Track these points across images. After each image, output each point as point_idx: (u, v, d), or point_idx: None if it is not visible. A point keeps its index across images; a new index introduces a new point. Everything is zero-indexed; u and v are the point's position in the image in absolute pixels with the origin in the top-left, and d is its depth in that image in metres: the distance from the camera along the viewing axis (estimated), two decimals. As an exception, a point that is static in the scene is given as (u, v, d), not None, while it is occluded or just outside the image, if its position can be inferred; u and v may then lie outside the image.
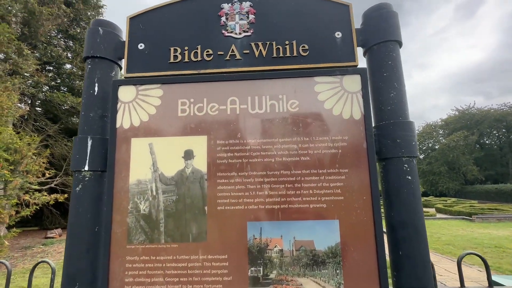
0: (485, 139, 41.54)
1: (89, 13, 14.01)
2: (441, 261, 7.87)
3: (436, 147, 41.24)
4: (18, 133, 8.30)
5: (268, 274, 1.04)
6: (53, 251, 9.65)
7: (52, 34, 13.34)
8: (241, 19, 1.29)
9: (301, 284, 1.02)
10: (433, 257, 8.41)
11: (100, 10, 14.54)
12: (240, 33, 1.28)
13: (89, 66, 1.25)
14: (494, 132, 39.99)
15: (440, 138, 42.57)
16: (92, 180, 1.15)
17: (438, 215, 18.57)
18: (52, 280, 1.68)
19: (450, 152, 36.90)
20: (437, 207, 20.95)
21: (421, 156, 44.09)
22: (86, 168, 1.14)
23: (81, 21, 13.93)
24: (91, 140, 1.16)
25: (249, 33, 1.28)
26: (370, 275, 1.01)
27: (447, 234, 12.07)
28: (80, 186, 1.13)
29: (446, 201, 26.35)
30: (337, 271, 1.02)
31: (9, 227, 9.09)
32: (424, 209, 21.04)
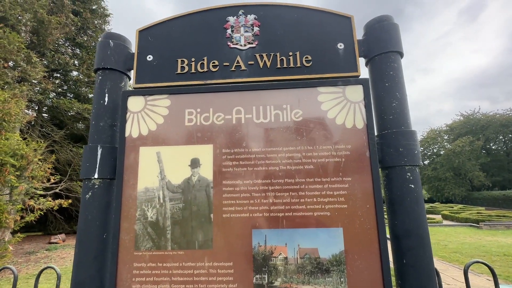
0: (491, 145, 41.03)
1: (96, 22, 14.36)
2: (448, 270, 7.71)
3: (441, 152, 40.83)
4: (24, 139, 8.44)
5: (273, 281, 1.05)
6: (56, 256, 9.67)
7: (60, 42, 13.67)
8: (246, 31, 1.33)
9: (306, 292, 1.03)
10: (440, 265, 8.24)
11: (106, 18, 14.89)
12: (245, 45, 1.32)
13: (100, 77, 1.30)
14: (501, 137, 39.52)
15: (445, 144, 42.17)
16: (101, 187, 1.18)
17: (445, 222, 18.26)
18: (58, 286, 1.71)
19: (455, 157, 36.48)
20: (443, 214, 20.61)
21: (426, 162, 43.65)
22: (96, 176, 1.17)
23: (88, 29, 14.27)
24: (101, 149, 1.20)
25: (253, 45, 1.32)
26: (375, 283, 1.02)
27: (454, 242, 11.84)
28: (89, 193, 1.17)
29: (452, 207, 25.92)
30: (342, 279, 1.03)
31: (13, 232, 9.15)
32: (430, 216, 20.72)
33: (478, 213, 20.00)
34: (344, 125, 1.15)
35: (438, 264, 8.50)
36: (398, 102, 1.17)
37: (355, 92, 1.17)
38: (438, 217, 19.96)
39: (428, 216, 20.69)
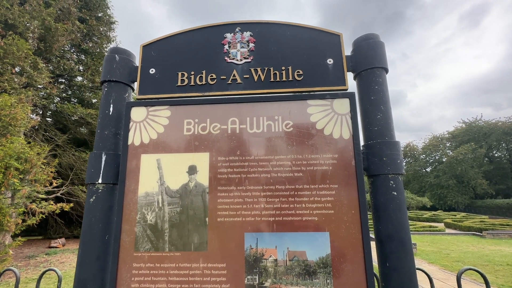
0: (494, 152, 40.81)
1: (101, 29, 14.68)
2: (450, 279, 7.63)
3: (444, 159, 40.61)
4: (29, 143, 8.58)
5: (263, 282, 1.12)
6: (55, 260, 9.68)
7: (66, 48, 13.97)
8: (242, 47, 1.43)
9: (294, 293, 1.10)
10: (442, 274, 8.16)
11: (112, 26, 15.23)
12: (241, 60, 1.42)
13: (106, 89, 1.39)
14: (503, 145, 39.31)
15: (447, 151, 41.98)
16: (104, 192, 1.26)
17: (447, 230, 18.07)
18: (59, 288, 1.77)
19: (458, 165, 36.28)
20: (446, 222, 20.39)
21: (428, 169, 43.42)
22: (100, 181, 1.26)
23: (94, 36, 14.58)
24: (105, 156, 1.29)
25: (249, 60, 1.42)
26: (359, 285, 1.08)
27: (456, 251, 11.73)
28: (93, 197, 1.25)
29: (455, 215, 25.66)
30: (328, 281, 1.09)
31: (14, 236, 9.20)
32: (433, 224, 20.49)
33: (481, 221, 19.79)
34: (331, 135, 1.23)
35: (439, 273, 8.42)
36: (383, 114, 1.25)
37: (342, 105, 1.26)
38: (440, 225, 19.77)
39: (430, 224, 20.48)
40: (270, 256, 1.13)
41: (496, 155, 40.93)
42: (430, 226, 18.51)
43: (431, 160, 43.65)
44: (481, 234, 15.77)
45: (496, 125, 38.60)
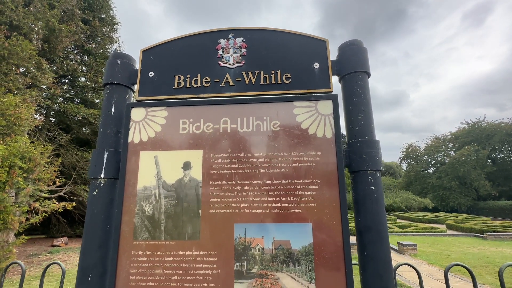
0: (497, 154, 40.53)
1: (104, 30, 14.86)
2: (449, 280, 7.64)
3: (446, 161, 40.40)
4: (32, 142, 8.73)
5: (250, 269, 1.22)
6: (58, 259, 9.83)
7: (69, 49, 14.16)
8: (235, 52, 1.54)
9: (278, 278, 1.19)
10: (441, 275, 8.18)
11: (114, 27, 15.41)
12: (233, 64, 1.52)
13: (108, 91, 1.50)
14: (507, 146, 39.03)
15: (450, 152, 41.72)
16: (106, 186, 1.37)
17: (449, 232, 18.03)
18: (62, 281, 1.88)
19: (460, 166, 36.09)
20: (448, 224, 20.34)
21: (430, 170, 43.21)
22: (102, 176, 1.36)
23: (97, 37, 14.77)
24: (107, 153, 1.40)
25: (241, 64, 1.52)
26: (338, 271, 1.17)
27: (457, 252, 11.72)
28: (96, 191, 1.35)
29: (457, 217, 25.55)
30: (310, 267, 1.19)
31: (17, 234, 9.35)
32: (434, 225, 20.43)
33: (483, 223, 19.72)
34: (315, 134, 1.33)
35: (439, 273, 8.45)
36: (364, 115, 1.34)
37: (326, 106, 1.36)
38: (442, 227, 19.70)
39: (432, 225, 20.42)
40: (257, 245, 1.23)
41: (499, 156, 40.65)
42: (432, 228, 18.47)
43: (433, 161, 43.42)
44: (483, 235, 15.72)
45: (499, 126, 38.34)
